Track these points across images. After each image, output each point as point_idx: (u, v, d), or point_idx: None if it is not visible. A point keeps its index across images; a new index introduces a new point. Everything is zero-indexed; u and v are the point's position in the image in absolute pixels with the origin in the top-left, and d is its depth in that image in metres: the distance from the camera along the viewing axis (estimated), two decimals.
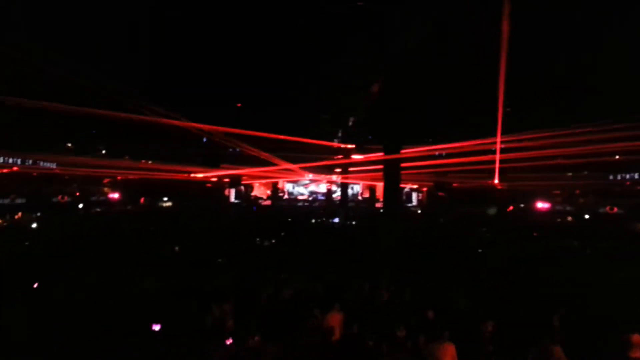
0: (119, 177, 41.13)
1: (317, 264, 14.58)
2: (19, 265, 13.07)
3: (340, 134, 37.91)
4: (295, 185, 51.54)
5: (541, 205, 39.23)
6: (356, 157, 38.45)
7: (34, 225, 26.73)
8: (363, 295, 11.19)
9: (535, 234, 24.91)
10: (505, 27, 15.56)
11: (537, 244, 21.55)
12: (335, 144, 38.78)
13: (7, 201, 35.61)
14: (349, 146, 38.45)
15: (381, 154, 22.49)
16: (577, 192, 42.57)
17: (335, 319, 8.99)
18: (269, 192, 49.95)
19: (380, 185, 38.51)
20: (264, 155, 33.99)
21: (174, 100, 25.35)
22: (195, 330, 8.40)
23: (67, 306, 9.43)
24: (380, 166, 23.31)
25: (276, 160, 35.30)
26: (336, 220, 32.74)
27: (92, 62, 20.94)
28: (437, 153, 37.58)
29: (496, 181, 32.05)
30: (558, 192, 42.56)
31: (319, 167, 42.08)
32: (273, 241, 21.01)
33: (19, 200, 36.30)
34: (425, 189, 46.07)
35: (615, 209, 35.91)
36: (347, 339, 8.61)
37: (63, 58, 18.77)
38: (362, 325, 8.75)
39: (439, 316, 9.39)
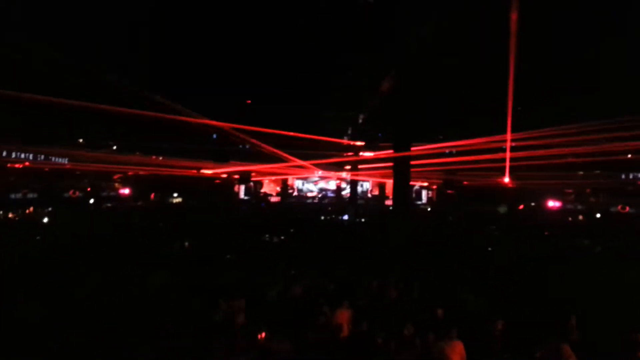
0: (130, 173, 41.31)
1: (327, 261, 14.59)
2: (30, 259, 13.15)
3: (350, 131, 37.84)
4: (304, 182, 51.56)
5: (552, 204, 39.02)
6: (366, 154, 38.37)
7: (45, 220, 26.94)
8: (372, 292, 11.19)
9: (546, 233, 24.76)
10: (513, 21, 15.46)
11: (547, 243, 21.45)
12: (344, 141, 38.71)
13: (19, 196, 35.92)
14: (359, 143, 38.36)
15: (391, 151, 22.41)
16: (588, 191, 42.27)
17: (344, 316, 8.99)
18: (278, 188, 50.00)
19: (389, 183, 38.44)
20: (274, 151, 33.99)
21: (185, 96, 25.38)
22: (204, 326, 8.42)
23: (78, 301, 9.49)
24: (390, 163, 23.22)
25: (286, 157, 35.29)
26: (345, 217, 32.72)
27: (104, 57, 21.01)
28: (447, 151, 37.41)
29: (506, 179, 31.85)
30: (570, 190, 42.29)
31: (328, 164, 42.04)
32: (282, 238, 21.05)
33: (30, 195, 36.60)
34: (435, 186, 45.93)
35: (627, 208, 35.66)
36: (355, 336, 8.61)
37: (74, 54, 18.86)
38: (371, 322, 8.75)
39: (448, 314, 9.37)
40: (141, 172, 40.27)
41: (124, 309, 9.01)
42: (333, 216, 33.58)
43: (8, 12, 16.42)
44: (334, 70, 24.02)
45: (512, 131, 23.73)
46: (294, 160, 36.06)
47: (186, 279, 11.80)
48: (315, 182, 51.53)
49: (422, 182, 44.96)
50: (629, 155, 34.78)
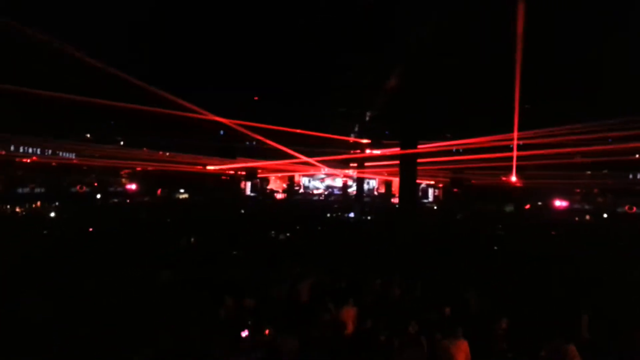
0: (138, 168, 41.49)
1: (332, 258, 14.61)
2: (36, 254, 13.20)
3: (356, 129, 37.82)
4: (311, 179, 51.63)
5: (559, 203, 38.91)
6: (372, 151, 38.36)
7: (52, 214, 27.08)
8: (377, 290, 11.20)
9: (553, 233, 24.70)
10: (519, 18, 15.41)
11: (552, 242, 21.40)
12: (351, 138, 38.72)
13: (26, 190, 36.13)
14: (365, 141, 38.36)
15: (397, 149, 22.41)
16: (596, 190, 42.12)
17: (349, 314, 9.01)
18: (285, 185, 50.09)
19: (396, 181, 38.44)
20: (280, 148, 34.05)
21: (192, 92, 25.43)
22: (209, 323, 8.44)
23: (82, 297, 9.52)
24: (397, 161, 23.22)
25: (292, 153, 35.34)
26: (351, 215, 32.74)
27: (112, 53, 21.07)
28: (454, 149, 37.37)
29: (513, 178, 31.80)
30: (577, 190, 42.16)
31: (334, 161, 42.07)
32: (288, 235, 21.08)
33: (38, 190, 36.81)
34: (441, 185, 45.89)
35: (635, 209, 35.52)
36: (360, 333, 8.62)
37: (82, 49, 18.92)
38: (375, 320, 8.76)
39: (453, 313, 9.38)
40: (148, 168, 40.43)
41: (129, 305, 9.03)
42: (339, 213, 33.58)
43: (17, 5, 16.48)
44: (336, 70, 23.99)
45: (520, 130, 23.68)
46: (300, 157, 36.11)
47: (192, 275, 11.83)
48: (322, 180, 51.58)
49: (429, 180, 44.93)
50: (637, 155, 34.63)
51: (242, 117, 30.60)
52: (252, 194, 47.79)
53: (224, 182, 44.11)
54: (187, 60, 24.92)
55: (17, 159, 35.16)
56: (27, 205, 32.31)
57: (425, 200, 47.52)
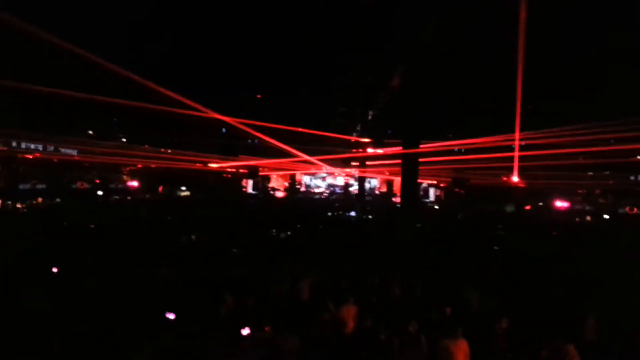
0: (139, 165, 41.53)
1: (333, 257, 14.61)
2: (36, 250, 13.19)
3: (358, 128, 37.84)
4: (312, 177, 51.60)
5: (560, 204, 38.90)
6: (374, 151, 38.37)
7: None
8: (377, 289, 11.22)
9: (554, 233, 24.70)
10: (521, 18, 15.41)
11: (553, 243, 21.39)
12: (353, 137, 38.73)
13: (27, 186, 36.19)
14: (367, 140, 38.36)
15: (399, 148, 22.42)
16: (598, 191, 42.11)
17: (349, 312, 9.02)
18: (286, 184, 50.09)
19: (397, 180, 38.44)
20: (282, 146, 34.06)
21: (195, 90, 25.47)
22: (209, 321, 8.45)
23: (83, 293, 9.52)
24: (398, 160, 23.23)
25: (294, 152, 35.36)
26: (352, 214, 32.75)
27: (115, 50, 21.10)
28: (455, 149, 37.39)
29: (515, 179, 31.80)
30: (579, 191, 42.15)
31: (336, 160, 42.09)
32: (289, 233, 21.08)
33: (39, 186, 36.87)
34: (443, 184, 45.88)
35: (635, 210, 35.51)
36: (360, 332, 8.64)
37: (86, 46, 18.95)
38: (375, 319, 8.77)
39: (453, 312, 9.38)
40: (150, 165, 40.48)
41: (129, 303, 9.02)
42: (340, 212, 33.59)
43: (19, 2, 16.50)
44: (337, 69, 24.03)
45: (522, 131, 23.69)
46: (301, 156, 36.13)
47: (192, 273, 11.83)
48: (323, 178, 51.56)
49: (431, 180, 44.94)
50: (639, 157, 34.63)
51: (244, 116, 30.63)
52: (253, 192, 47.81)
53: (226, 180, 44.12)
54: (189, 59, 24.97)
55: (20, 155, 35.22)
56: (28, 202, 32.37)
57: (427, 200, 47.51)
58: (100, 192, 38.90)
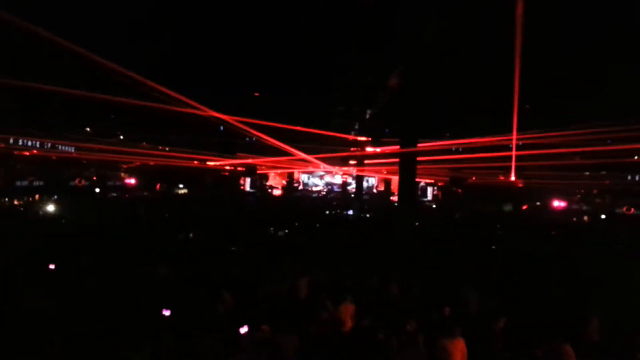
0: (137, 163, 41.47)
1: (331, 256, 14.62)
2: (34, 248, 13.17)
3: (356, 127, 37.82)
4: (310, 176, 51.56)
5: (557, 203, 38.96)
6: (372, 149, 38.35)
7: (51, 208, 27.05)
8: (375, 288, 11.24)
9: (552, 233, 24.76)
10: (518, 18, 15.44)
11: (551, 242, 21.44)
12: (351, 136, 38.69)
13: (25, 183, 36.14)
14: (365, 139, 38.33)
15: (397, 147, 22.43)
16: (595, 191, 42.18)
17: (347, 311, 9.04)
18: (284, 182, 50.04)
19: (395, 179, 38.44)
20: (279, 144, 34.04)
21: (193, 88, 25.45)
22: (207, 319, 8.44)
23: (81, 292, 9.50)
24: (396, 159, 23.24)
25: (292, 151, 35.34)
26: (350, 212, 32.77)
27: (113, 48, 21.07)
28: (453, 148, 37.42)
29: (512, 178, 31.87)
30: (576, 190, 42.21)
31: (333, 158, 42.05)
32: (287, 231, 21.10)
33: (36, 183, 36.82)
34: (440, 184, 45.88)
35: (632, 210, 35.57)
36: (358, 331, 8.65)
37: (83, 43, 18.92)
38: (373, 318, 8.79)
39: (451, 312, 9.40)
40: (147, 163, 40.40)
41: (127, 301, 9.01)
42: (338, 211, 33.60)
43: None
44: (338, 68, 24.02)
45: (520, 131, 23.74)
46: (298, 154, 36.10)
47: (190, 271, 11.83)
48: (321, 177, 51.54)
49: (428, 179, 44.95)
50: (636, 157, 34.69)
51: (242, 114, 30.60)
52: (251, 190, 47.78)
53: (224, 178, 44.07)
54: (188, 57, 24.95)
55: (17, 152, 35.16)
56: (25, 199, 32.33)
57: (424, 199, 47.51)
58: (97, 190, 38.86)
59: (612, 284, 11.85)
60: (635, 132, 24.59)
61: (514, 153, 26.79)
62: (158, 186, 43.53)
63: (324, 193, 50.02)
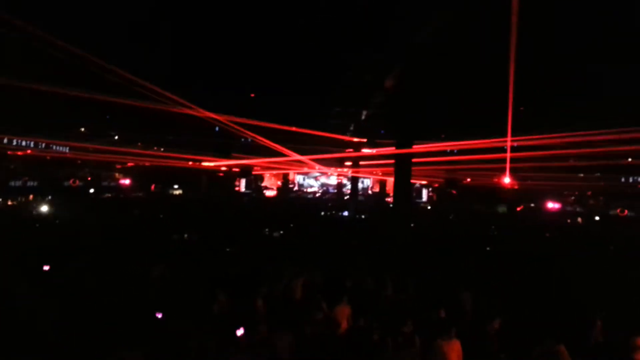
0: (129, 164, 41.38)
1: (326, 256, 14.63)
2: (28, 249, 13.12)
3: (352, 128, 37.84)
4: (305, 177, 51.58)
5: (551, 205, 39.11)
6: (367, 151, 38.39)
7: (45, 209, 26.97)
8: (371, 289, 11.24)
9: (547, 235, 24.86)
10: (514, 20, 15.47)
11: (545, 244, 21.51)
12: (346, 137, 38.71)
13: (19, 183, 36.00)
14: (360, 140, 38.36)
15: (393, 148, 22.46)
16: (588, 193, 42.36)
17: (343, 313, 9.04)
18: (279, 183, 50.03)
19: (390, 180, 38.48)
20: (274, 145, 34.00)
21: (188, 88, 25.40)
22: (202, 319, 8.43)
23: (75, 292, 9.47)
24: (392, 161, 23.28)
25: (286, 152, 35.31)
26: (346, 213, 32.78)
27: (107, 48, 21.01)
28: (448, 150, 37.46)
29: (507, 180, 31.93)
30: (569, 192, 42.39)
31: (328, 159, 42.07)
32: (282, 232, 21.10)
33: (30, 183, 36.69)
34: (436, 185, 45.99)
35: (626, 212, 35.74)
36: (353, 332, 8.66)
37: (78, 43, 18.86)
38: (369, 319, 8.80)
39: (447, 313, 9.42)
40: (142, 163, 40.32)
41: (121, 301, 8.99)
42: (333, 212, 33.61)
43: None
44: (334, 69, 24.01)
45: (515, 133, 23.77)
46: (293, 155, 36.08)
47: (185, 272, 11.81)
48: (317, 178, 51.56)
49: (423, 180, 45.04)
50: (629, 159, 34.82)
51: (238, 115, 30.56)
52: (246, 191, 47.78)
53: (219, 179, 44.02)
54: (184, 57, 24.90)
55: (10, 152, 34.99)
56: (19, 199, 32.22)
57: (419, 201, 47.61)
58: (92, 190, 38.76)
59: (608, 285, 11.88)
60: (629, 134, 24.71)
61: (508, 155, 26.79)
62: (153, 187, 43.47)
63: (319, 194, 50.04)
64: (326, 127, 35.33)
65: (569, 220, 36.41)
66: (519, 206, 39.89)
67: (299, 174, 50.76)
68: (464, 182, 39.73)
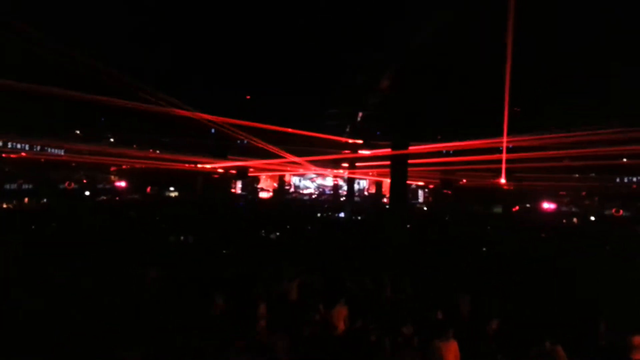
0: (123, 166, 41.28)
1: (322, 258, 14.61)
2: (24, 251, 13.08)
3: (348, 129, 37.84)
4: (302, 178, 51.55)
5: (547, 205, 39.19)
6: (363, 152, 38.38)
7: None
8: (367, 290, 11.23)
9: (542, 235, 24.89)
10: (510, 22, 15.51)
11: (541, 244, 21.54)
12: (342, 138, 38.69)
13: (14, 186, 35.85)
14: (356, 141, 38.35)
15: (389, 149, 22.47)
16: (584, 194, 42.47)
17: (340, 314, 9.02)
18: (275, 184, 49.98)
19: (386, 181, 38.49)
20: (270, 147, 33.96)
21: (184, 90, 25.38)
22: (200, 322, 8.41)
23: (72, 294, 9.44)
24: (388, 162, 23.29)
25: (282, 153, 35.27)
26: (342, 215, 32.77)
27: (103, 49, 20.97)
28: (444, 151, 37.49)
29: (503, 180, 31.99)
30: (564, 193, 42.48)
31: (324, 161, 42.05)
32: (278, 234, 21.06)
33: (26, 186, 36.54)
34: (431, 186, 46.02)
35: (621, 212, 35.84)
36: (350, 333, 8.65)
37: (73, 44, 18.81)
38: (366, 320, 8.79)
39: (445, 314, 9.41)
40: (137, 166, 40.23)
41: (119, 304, 8.97)
42: (329, 213, 33.59)
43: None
44: (332, 69, 24.03)
45: (510, 134, 23.83)
46: (289, 157, 36.04)
47: (182, 274, 11.78)
48: (312, 179, 51.53)
49: (419, 181, 45.06)
50: (624, 159, 34.93)
51: (234, 116, 30.53)
52: (242, 193, 47.75)
53: (215, 181, 43.96)
54: (180, 58, 24.88)
55: (5, 155, 34.85)
56: (14, 201, 32.06)
57: (415, 202, 47.63)
58: (87, 193, 38.63)
59: (606, 286, 11.89)
60: (624, 134, 24.79)
61: (504, 156, 26.84)
62: (149, 189, 43.36)
63: (315, 196, 50.02)
64: (322, 128, 35.34)
65: (564, 221, 36.49)
66: (514, 207, 39.95)
67: (295, 175, 50.71)
68: (460, 183, 39.76)
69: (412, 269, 13.05)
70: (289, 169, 44.81)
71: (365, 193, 50.55)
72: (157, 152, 39.01)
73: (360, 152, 38.52)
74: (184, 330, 7.76)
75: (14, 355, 6.95)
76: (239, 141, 38.21)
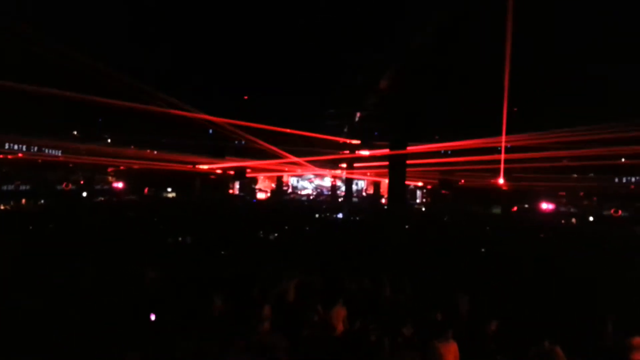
0: (121, 167, 41.20)
1: (321, 258, 14.58)
2: (22, 252, 13.04)
3: (346, 129, 37.84)
4: (299, 179, 51.52)
5: (545, 206, 39.20)
6: (362, 152, 38.38)
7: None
8: (366, 290, 11.20)
9: (541, 235, 24.89)
10: (509, 23, 15.52)
11: (540, 244, 21.54)
12: (340, 139, 38.69)
13: (11, 187, 35.76)
14: (355, 141, 38.35)
15: (387, 150, 22.45)
16: (582, 194, 42.51)
17: (339, 315, 8.99)
18: (273, 185, 49.94)
19: (384, 182, 38.49)
20: (269, 147, 33.93)
21: (181, 90, 25.33)
22: (199, 323, 8.38)
23: (71, 295, 9.41)
24: (386, 162, 23.27)
25: (281, 153, 35.25)
26: (340, 215, 32.73)
27: (101, 49, 20.93)
28: (442, 151, 37.51)
29: (501, 181, 32.00)
30: (563, 193, 42.52)
31: (323, 161, 42.04)
32: (276, 235, 21.02)
33: (23, 187, 36.46)
34: (430, 186, 46.01)
35: (620, 212, 35.85)
36: (349, 334, 8.62)
37: (71, 44, 18.77)
38: (365, 320, 8.76)
39: (444, 315, 9.38)
40: (135, 166, 40.16)
41: (118, 305, 8.93)
42: (328, 214, 33.54)
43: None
44: (332, 69, 24.02)
45: (509, 133, 23.83)
46: (287, 157, 36.02)
47: (181, 274, 11.75)
48: (310, 180, 51.51)
49: (418, 182, 45.05)
50: (623, 160, 34.98)
51: (231, 116, 30.51)
52: (240, 194, 47.72)
53: (213, 181, 43.91)
54: (179, 58, 24.86)
55: (2, 156, 34.76)
56: (12, 203, 31.98)
57: (413, 202, 47.63)
58: (85, 193, 38.56)
59: (605, 286, 11.88)
60: (622, 134, 24.82)
61: (502, 156, 26.85)
62: (146, 190, 43.30)
63: (313, 196, 50.00)
64: (321, 128, 35.34)
65: (563, 221, 36.51)
66: (513, 207, 39.97)
67: (293, 176, 50.69)
68: (458, 183, 39.76)
69: (411, 269, 13.02)
70: (287, 169, 44.79)
71: (364, 194, 50.55)
72: (155, 152, 38.93)
73: (358, 152, 38.52)
74: (183, 331, 7.73)
75: (13, 356, 6.92)
76: (236, 142, 38.21)
